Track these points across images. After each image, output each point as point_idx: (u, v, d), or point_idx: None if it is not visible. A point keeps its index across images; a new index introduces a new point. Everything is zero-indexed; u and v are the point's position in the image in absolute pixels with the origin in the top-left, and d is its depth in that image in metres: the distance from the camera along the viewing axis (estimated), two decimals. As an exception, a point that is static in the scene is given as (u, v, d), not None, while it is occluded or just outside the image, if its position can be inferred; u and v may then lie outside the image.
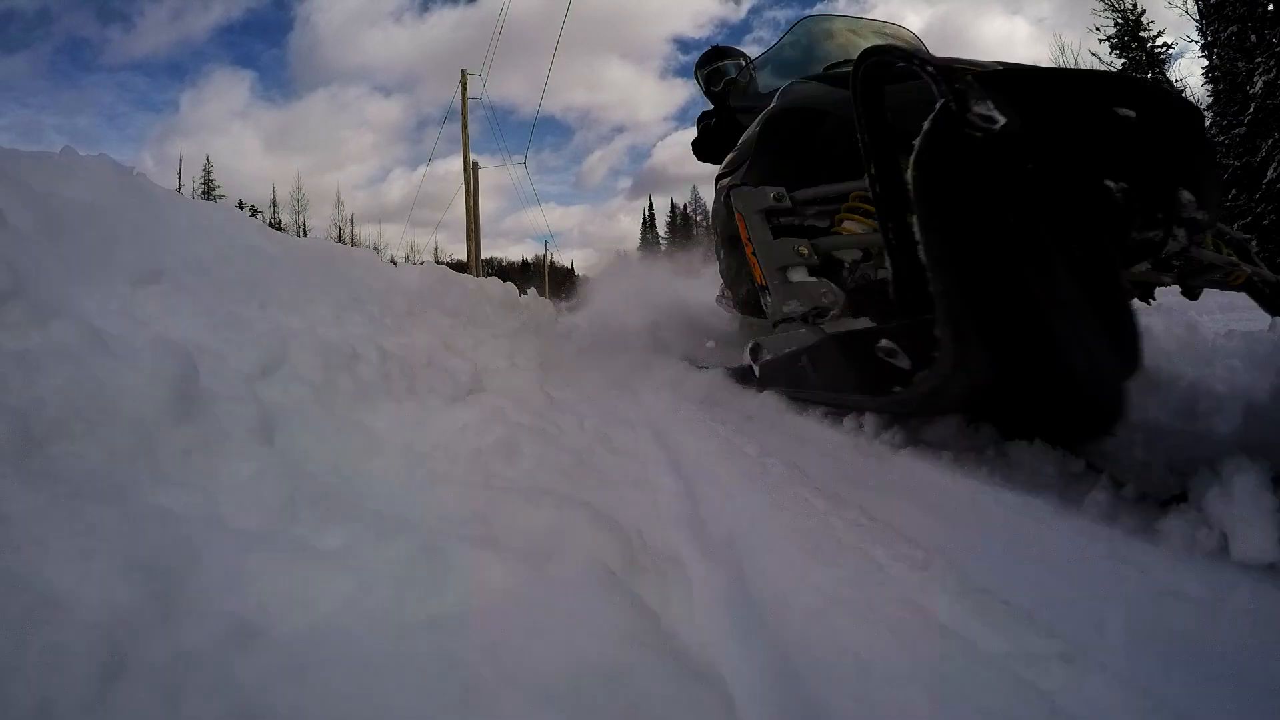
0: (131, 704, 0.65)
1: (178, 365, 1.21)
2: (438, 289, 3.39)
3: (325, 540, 0.99)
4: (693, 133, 4.44)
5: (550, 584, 0.95)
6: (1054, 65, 13.84)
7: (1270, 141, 14.09)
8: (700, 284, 5.57)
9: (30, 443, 0.96)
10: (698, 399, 3.03)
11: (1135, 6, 18.62)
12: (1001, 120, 1.28)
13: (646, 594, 1.00)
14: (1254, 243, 2.37)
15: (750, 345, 2.71)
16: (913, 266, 1.49)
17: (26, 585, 0.72)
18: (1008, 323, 1.35)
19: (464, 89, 17.33)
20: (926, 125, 1.34)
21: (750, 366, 2.70)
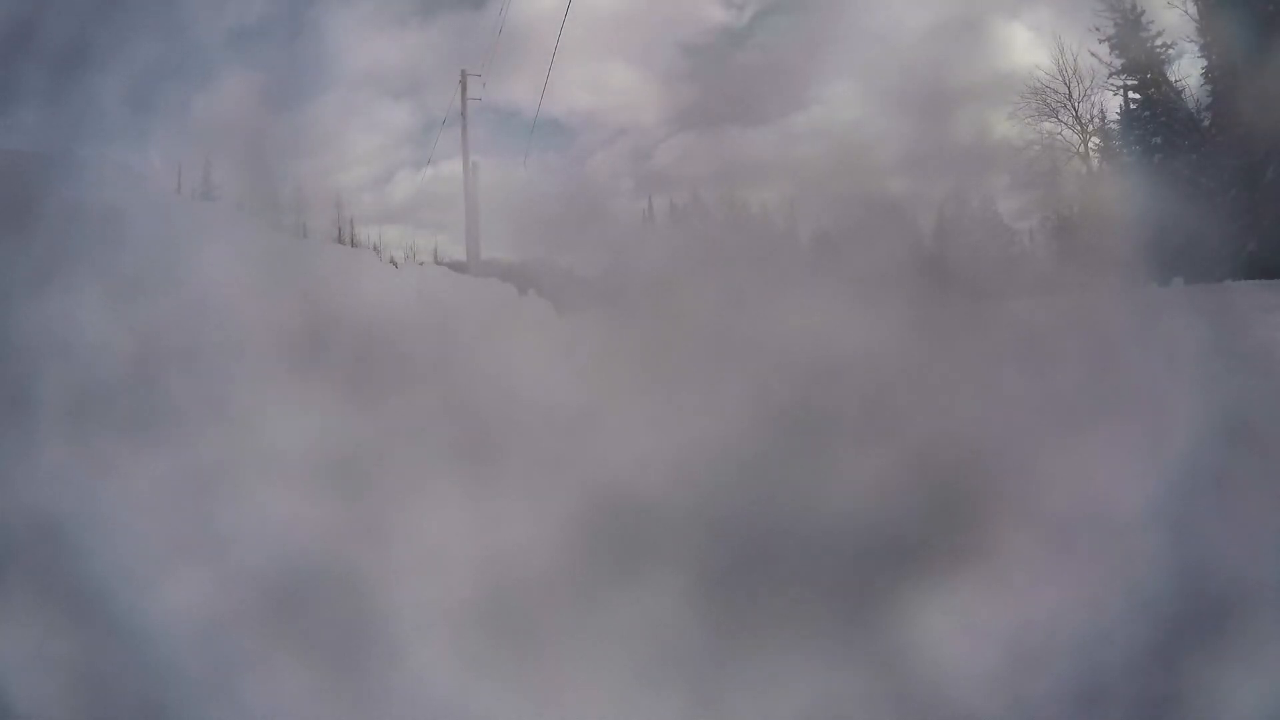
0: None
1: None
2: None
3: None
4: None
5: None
6: (1055, 69, 13.87)
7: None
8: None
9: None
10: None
11: (1134, 6, 18.63)
12: None
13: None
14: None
15: None
16: None
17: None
18: None
19: (464, 89, 17.36)
20: None
21: None
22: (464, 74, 16.48)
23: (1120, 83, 14.20)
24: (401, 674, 1.93)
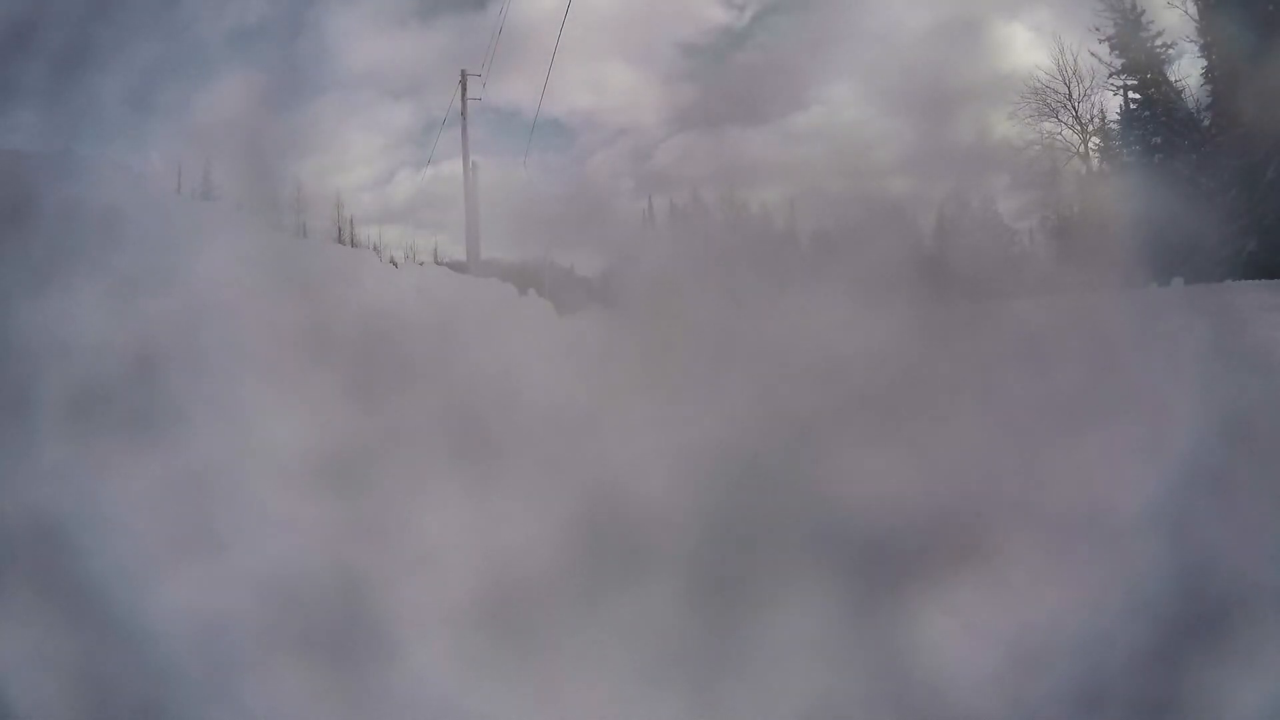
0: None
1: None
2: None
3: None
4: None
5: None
6: (1055, 68, 13.84)
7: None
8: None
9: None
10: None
11: (1134, 6, 18.64)
12: None
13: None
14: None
15: None
16: None
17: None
18: None
19: (464, 89, 17.38)
20: None
21: None
22: (464, 74, 16.54)
23: (1120, 83, 14.24)
24: (402, 674, 1.94)
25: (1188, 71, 13.23)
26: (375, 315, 2.74)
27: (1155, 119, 13.32)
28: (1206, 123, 12.77)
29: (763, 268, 3.65)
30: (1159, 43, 19.87)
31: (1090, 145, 13.71)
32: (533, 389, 2.64)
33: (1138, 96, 13.90)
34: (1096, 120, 13.73)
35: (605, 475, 2.36)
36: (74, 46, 2.86)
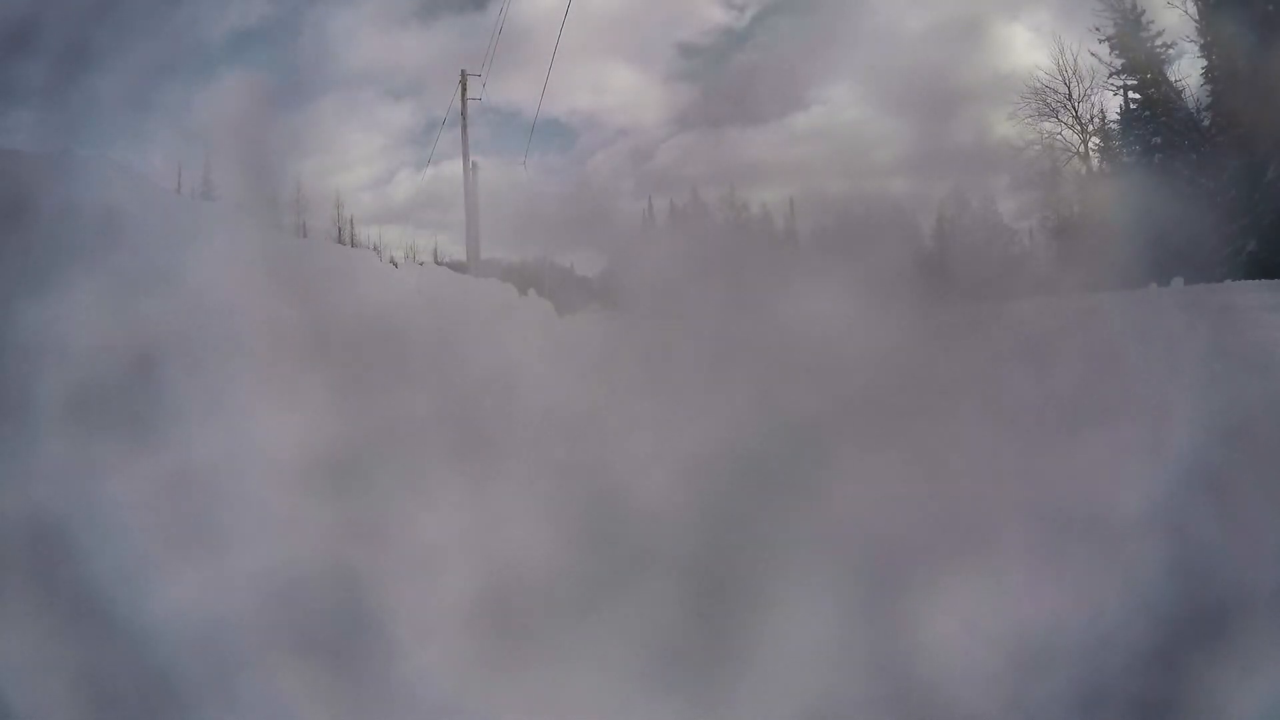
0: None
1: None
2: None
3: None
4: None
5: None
6: (1055, 68, 13.81)
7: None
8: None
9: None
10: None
11: (1134, 6, 18.65)
12: None
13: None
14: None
15: None
16: None
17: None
18: None
19: (464, 89, 17.39)
20: None
21: None
22: (464, 74, 16.53)
23: (1120, 83, 14.22)
24: (401, 674, 1.94)
25: (1188, 71, 13.22)
26: (375, 315, 2.74)
27: (1155, 119, 13.31)
28: (1206, 123, 12.76)
29: (763, 268, 3.65)
30: (1159, 43, 19.85)
31: (1090, 145, 13.71)
32: (533, 389, 2.64)
33: (1138, 96, 13.89)
34: (1096, 120, 13.73)
35: (605, 475, 2.36)
36: (74, 46, 2.86)
